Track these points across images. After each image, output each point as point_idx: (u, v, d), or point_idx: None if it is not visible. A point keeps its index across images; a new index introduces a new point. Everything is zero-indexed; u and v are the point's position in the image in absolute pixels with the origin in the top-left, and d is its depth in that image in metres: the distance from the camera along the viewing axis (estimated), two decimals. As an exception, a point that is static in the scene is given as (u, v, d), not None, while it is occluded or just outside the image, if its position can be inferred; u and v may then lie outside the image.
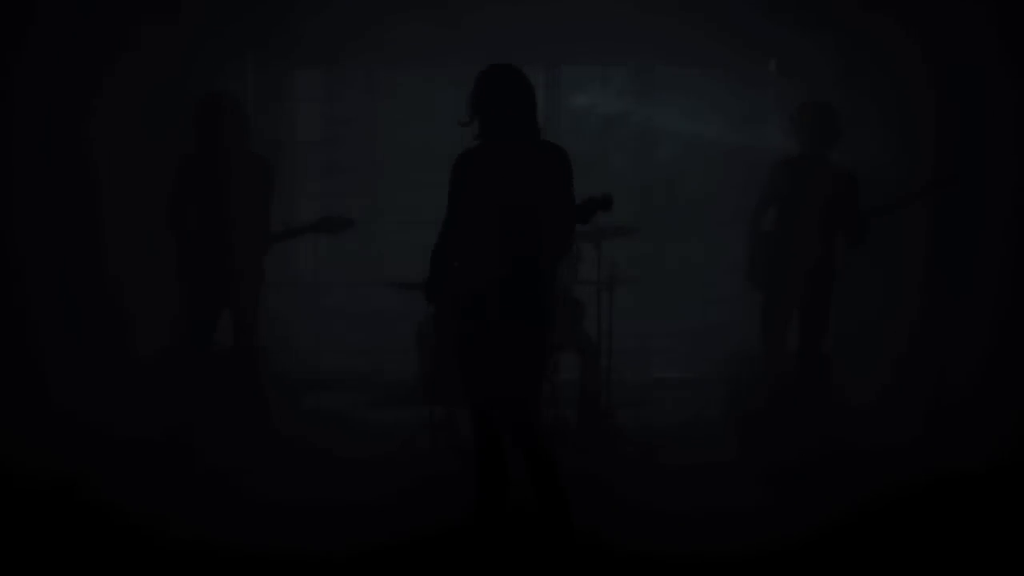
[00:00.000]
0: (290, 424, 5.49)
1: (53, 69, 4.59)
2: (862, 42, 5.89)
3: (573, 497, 3.52)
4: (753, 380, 5.30)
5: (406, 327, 5.13)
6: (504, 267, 3.37)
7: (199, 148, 4.53)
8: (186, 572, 3.53)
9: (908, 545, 3.75)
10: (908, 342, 5.29)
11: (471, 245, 3.46)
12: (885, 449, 4.96)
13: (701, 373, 6.42)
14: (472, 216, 3.46)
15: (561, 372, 4.95)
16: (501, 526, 3.63)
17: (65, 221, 4.75)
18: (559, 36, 6.36)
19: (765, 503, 4.24)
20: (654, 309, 6.54)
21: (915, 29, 5.24)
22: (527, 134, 3.46)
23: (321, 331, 6.54)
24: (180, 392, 4.68)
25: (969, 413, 4.76)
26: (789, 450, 4.65)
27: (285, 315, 6.46)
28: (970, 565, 3.58)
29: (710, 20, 6.02)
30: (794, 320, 4.88)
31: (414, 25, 6.19)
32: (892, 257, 5.29)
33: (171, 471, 4.47)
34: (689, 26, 6.13)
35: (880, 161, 5.05)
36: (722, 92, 6.92)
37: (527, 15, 6.13)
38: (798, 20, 6.01)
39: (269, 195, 4.64)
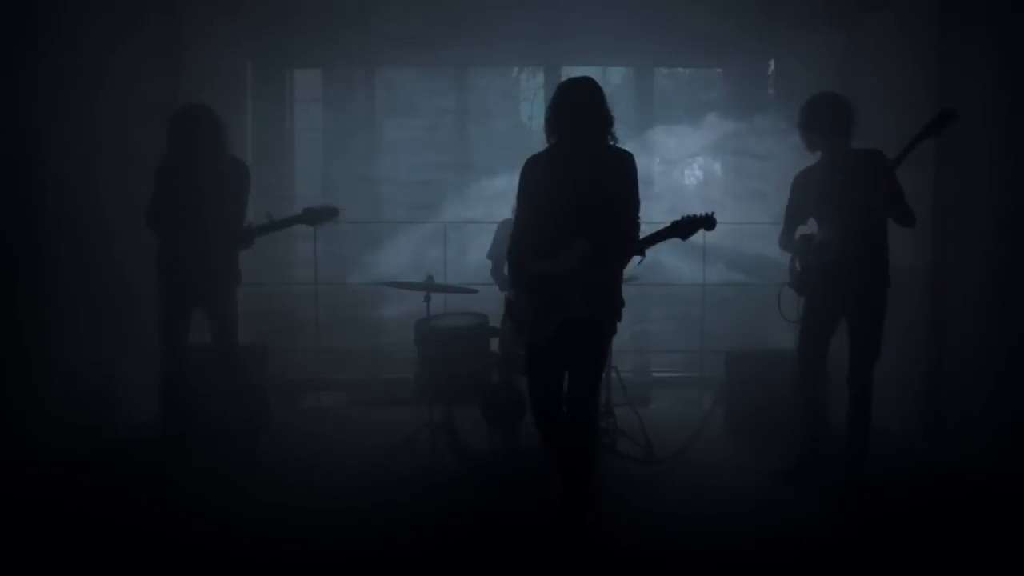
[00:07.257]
0: (289, 423, 5.50)
1: (51, 66, 4.59)
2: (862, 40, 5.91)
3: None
4: (750, 379, 5.31)
5: (405, 327, 5.11)
6: (568, 266, 3.52)
7: (175, 153, 4.60)
8: (185, 572, 3.53)
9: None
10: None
11: (538, 244, 3.62)
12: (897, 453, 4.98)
13: (701, 373, 6.42)
14: (539, 217, 3.63)
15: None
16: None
17: (63, 219, 4.75)
18: (559, 37, 6.36)
19: (768, 502, 4.24)
20: (654, 308, 6.54)
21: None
22: (593, 140, 3.61)
23: (321, 332, 6.53)
24: (170, 391, 4.68)
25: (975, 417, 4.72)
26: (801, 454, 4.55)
27: (285, 316, 6.47)
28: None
29: (710, 20, 6.02)
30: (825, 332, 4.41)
31: (414, 25, 6.19)
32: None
33: (168, 470, 4.48)
34: (689, 27, 6.12)
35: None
36: (722, 92, 6.94)
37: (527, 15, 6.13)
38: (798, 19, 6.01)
39: (244, 197, 4.68)
